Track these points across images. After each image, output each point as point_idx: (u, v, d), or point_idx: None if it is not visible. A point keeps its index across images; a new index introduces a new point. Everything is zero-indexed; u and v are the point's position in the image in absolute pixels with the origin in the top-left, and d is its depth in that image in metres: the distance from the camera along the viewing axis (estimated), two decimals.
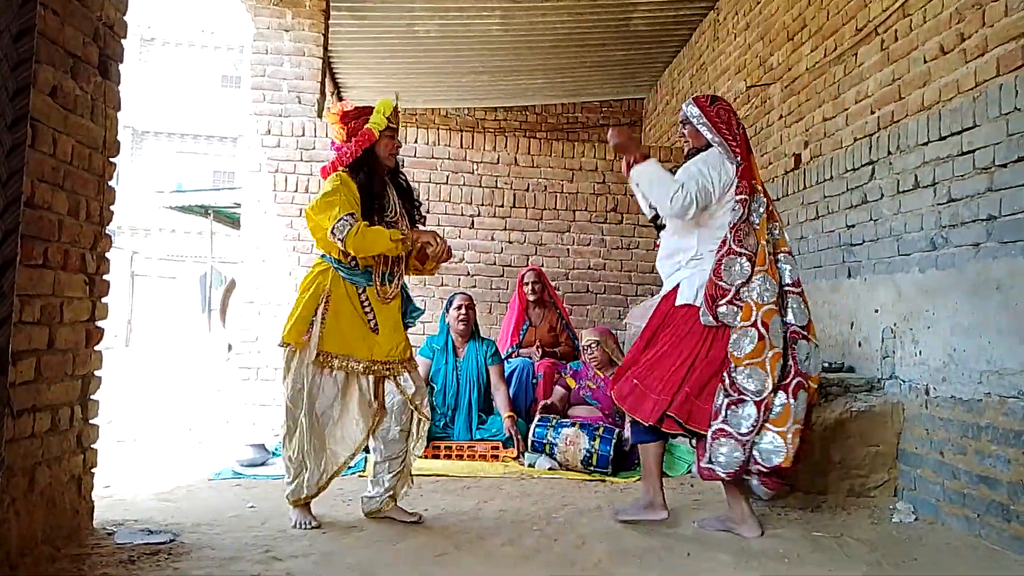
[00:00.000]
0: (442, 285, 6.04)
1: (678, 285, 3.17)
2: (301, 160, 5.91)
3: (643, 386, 3.07)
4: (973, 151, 3.15)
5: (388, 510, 3.16)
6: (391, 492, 3.16)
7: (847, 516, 3.34)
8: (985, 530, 2.96)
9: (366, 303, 3.10)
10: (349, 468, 4.14)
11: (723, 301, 3.01)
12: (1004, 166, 2.97)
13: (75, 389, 2.68)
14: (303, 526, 2.99)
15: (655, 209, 3.32)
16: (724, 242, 3.08)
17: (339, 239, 2.94)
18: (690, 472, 4.12)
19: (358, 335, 3.07)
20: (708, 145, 3.21)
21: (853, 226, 4.10)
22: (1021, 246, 2.86)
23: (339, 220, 2.93)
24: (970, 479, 3.06)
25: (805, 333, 3.07)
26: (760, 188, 3.17)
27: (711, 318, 3.02)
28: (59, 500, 2.59)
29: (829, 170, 4.41)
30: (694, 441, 3.19)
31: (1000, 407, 2.92)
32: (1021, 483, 2.77)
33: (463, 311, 4.78)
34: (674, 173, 3.22)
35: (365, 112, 3.14)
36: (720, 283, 3.03)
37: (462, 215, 6.15)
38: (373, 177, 3.13)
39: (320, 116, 6.09)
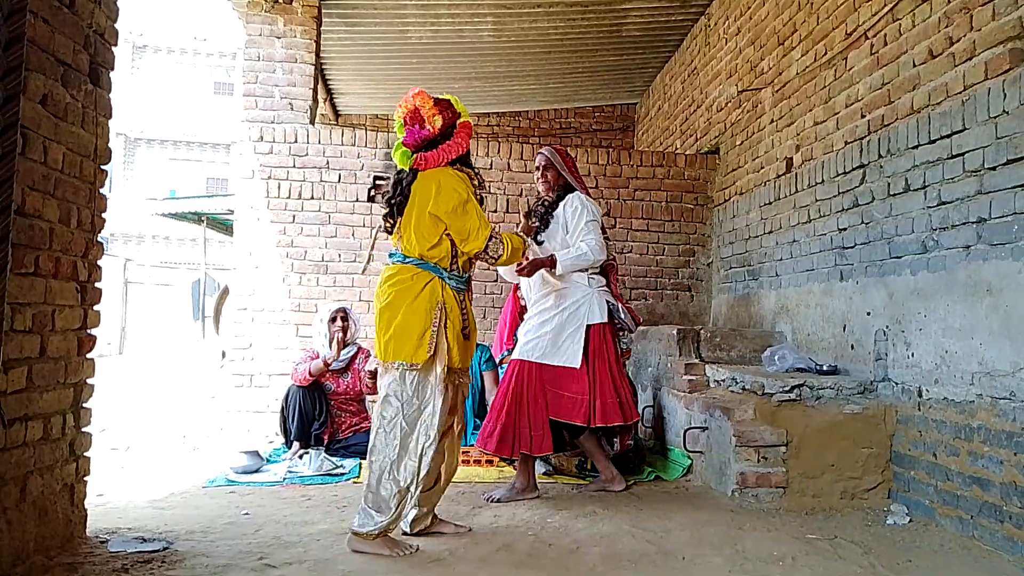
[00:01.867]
0: None
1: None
2: (294, 167, 5.91)
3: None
4: (963, 154, 3.17)
5: (437, 524, 3.06)
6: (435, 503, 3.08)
7: (841, 518, 3.35)
8: (979, 531, 2.97)
9: (464, 310, 2.98)
10: (343, 475, 4.15)
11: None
12: (993, 169, 2.98)
13: (67, 397, 2.67)
14: (407, 552, 2.77)
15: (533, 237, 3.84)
16: (614, 268, 3.99)
17: (494, 258, 2.95)
18: (686, 476, 4.13)
19: (462, 344, 2.96)
20: (568, 187, 3.88)
21: (845, 229, 4.12)
22: (1011, 248, 2.87)
23: (491, 241, 2.91)
24: (963, 480, 3.07)
25: None
26: None
27: (633, 326, 3.93)
28: (51, 509, 2.58)
29: (820, 173, 4.43)
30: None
31: (992, 408, 2.93)
32: (1014, 484, 2.78)
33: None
34: (545, 209, 3.88)
35: (450, 104, 3.03)
36: (622, 299, 3.97)
37: None
38: (478, 174, 3.11)
39: (312, 123, 6.09)
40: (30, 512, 2.44)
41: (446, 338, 2.87)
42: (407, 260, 2.93)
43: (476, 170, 3.11)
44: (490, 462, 4.43)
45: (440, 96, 3.04)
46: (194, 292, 15.58)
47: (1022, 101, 2.84)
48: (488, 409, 4.73)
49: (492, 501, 3.59)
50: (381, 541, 2.77)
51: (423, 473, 2.80)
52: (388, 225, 3.08)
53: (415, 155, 2.95)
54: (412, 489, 2.80)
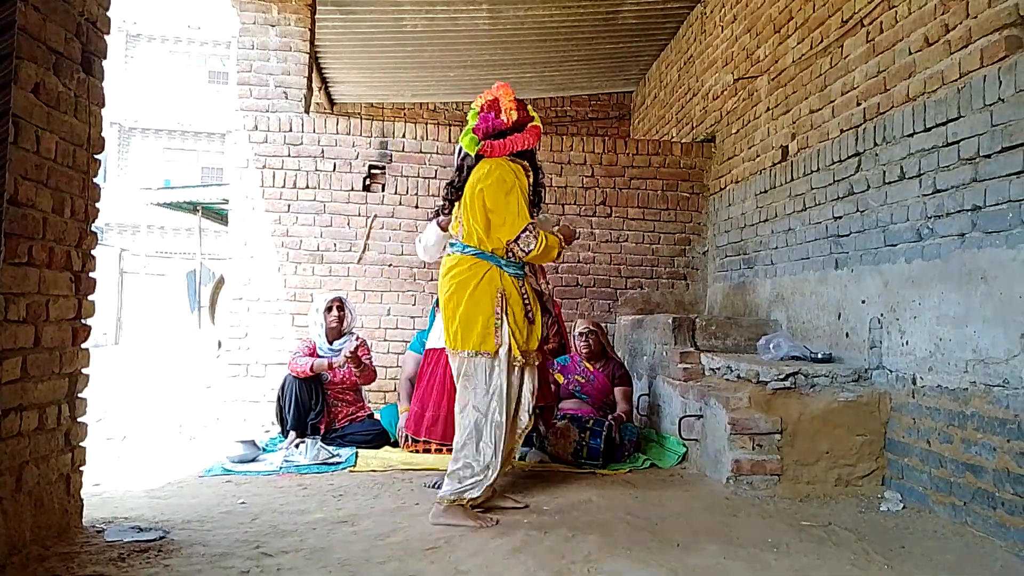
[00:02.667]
0: (432, 280, 6.03)
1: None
2: (288, 156, 5.89)
3: None
4: (958, 142, 3.17)
5: (496, 497, 3.24)
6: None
7: (835, 505, 3.37)
8: (972, 518, 2.99)
9: (526, 295, 3.12)
10: (339, 464, 4.16)
11: None
12: (988, 156, 2.99)
13: (62, 387, 2.67)
14: (489, 524, 2.96)
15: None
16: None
17: (524, 251, 3.00)
18: (681, 464, 4.14)
19: (526, 327, 3.11)
20: None
21: (840, 217, 4.12)
22: (1005, 236, 2.88)
23: (524, 232, 2.98)
24: (956, 467, 3.09)
25: None
26: None
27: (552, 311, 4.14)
28: (47, 499, 2.58)
29: (816, 162, 4.43)
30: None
31: (985, 396, 2.95)
32: (1006, 471, 2.80)
33: None
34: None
35: (526, 106, 3.21)
36: (546, 280, 4.09)
37: None
38: (538, 174, 3.24)
39: (307, 111, 6.06)
40: (26, 502, 2.45)
41: (509, 325, 3.02)
42: (466, 250, 3.08)
43: (540, 168, 3.26)
44: None
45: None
46: (189, 282, 15.56)
47: (1018, 88, 2.84)
48: None
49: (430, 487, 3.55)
50: (463, 512, 2.97)
51: (499, 453, 3.01)
52: (446, 208, 3.28)
53: (483, 142, 3.11)
54: (489, 471, 3.03)
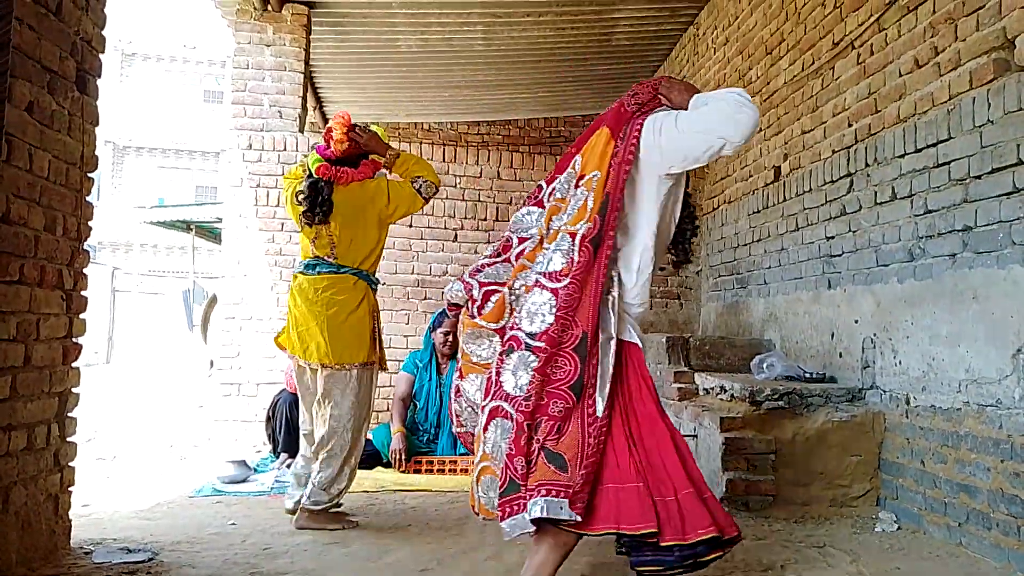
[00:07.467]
0: (426, 299, 6.02)
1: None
2: (282, 175, 5.88)
3: None
4: (949, 163, 3.19)
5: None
6: None
7: (829, 526, 3.35)
8: (966, 538, 2.98)
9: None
10: None
11: None
12: (979, 177, 3.01)
13: (52, 407, 2.65)
14: (351, 525, 3.28)
15: None
16: None
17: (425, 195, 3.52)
18: None
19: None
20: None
21: (832, 237, 4.14)
22: (996, 256, 2.89)
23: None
24: (951, 488, 3.08)
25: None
26: None
27: None
28: (35, 520, 2.55)
29: (808, 182, 4.45)
30: None
31: (979, 416, 2.95)
32: (1001, 491, 2.80)
33: (452, 338, 4.71)
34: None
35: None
36: None
37: (445, 228, 6.15)
38: None
39: (302, 131, 6.07)
40: (13, 523, 2.42)
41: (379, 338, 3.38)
42: (342, 269, 3.29)
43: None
44: (452, 471, 4.41)
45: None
46: (185, 301, 15.52)
47: (1006, 111, 2.87)
48: None
49: None
50: (326, 517, 3.26)
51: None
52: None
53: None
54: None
